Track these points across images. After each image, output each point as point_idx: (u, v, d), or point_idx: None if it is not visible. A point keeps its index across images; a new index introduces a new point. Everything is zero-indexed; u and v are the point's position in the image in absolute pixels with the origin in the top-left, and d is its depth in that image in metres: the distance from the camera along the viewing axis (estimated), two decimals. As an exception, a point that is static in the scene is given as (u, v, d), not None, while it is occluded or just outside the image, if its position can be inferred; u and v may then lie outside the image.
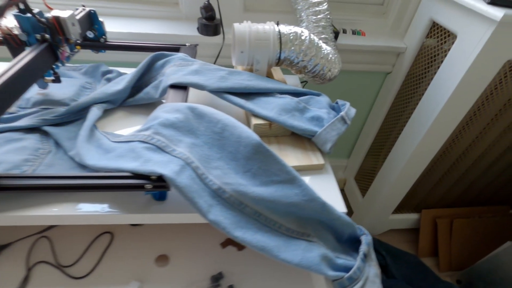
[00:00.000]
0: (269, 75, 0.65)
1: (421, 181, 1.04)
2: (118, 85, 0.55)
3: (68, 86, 0.59)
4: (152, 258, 0.60)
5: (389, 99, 1.01)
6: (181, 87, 0.52)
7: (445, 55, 0.75)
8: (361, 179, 1.23)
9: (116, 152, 0.40)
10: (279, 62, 0.61)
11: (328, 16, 0.71)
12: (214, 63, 0.78)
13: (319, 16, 0.70)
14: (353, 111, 0.53)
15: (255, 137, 0.40)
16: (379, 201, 1.08)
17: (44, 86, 0.55)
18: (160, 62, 0.58)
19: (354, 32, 0.87)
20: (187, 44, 0.67)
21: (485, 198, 1.14)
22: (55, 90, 0.56)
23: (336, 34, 0.80)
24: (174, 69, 0.55)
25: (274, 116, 0.50)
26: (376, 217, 1.14)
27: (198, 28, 0.77)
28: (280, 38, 0.58)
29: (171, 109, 0.44)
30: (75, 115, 0.51)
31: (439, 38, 0.79)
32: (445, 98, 0.77)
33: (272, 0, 0.86)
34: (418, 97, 0.89)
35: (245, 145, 0.40)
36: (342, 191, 1.34)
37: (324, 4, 0.71)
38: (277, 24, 0.60)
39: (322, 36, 0.70)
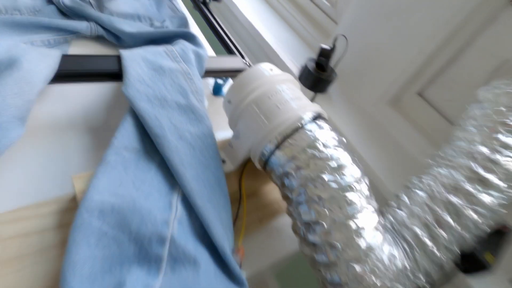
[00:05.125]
0: (249, 173, 0.34)
1: None
2: (130, 27, 0.45)
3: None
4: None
5: None
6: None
7: None
8: None
9: None
10: (265, 164, 0.30)
11: (472, 218, 0.29)
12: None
13: (453, 199, 0.29)
14: None
15: None
16: None
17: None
18: (183, 41, 0.42)
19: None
20: (246, 59, 0.47)
21: None
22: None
23: (471, 266, 0.33)
24: (155, 51, 0.37)
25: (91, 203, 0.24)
26: None
27: (301, 67, 0.53)
28: (287, 136, 0.27)
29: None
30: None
31: None
32: None
33: (432, 118, 0.48)
34: None
35: None
36: None
37: (484, 195, 0.29)
38: (315, 117, 0.28)
39: (417, 230, 0.29)
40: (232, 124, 0.32)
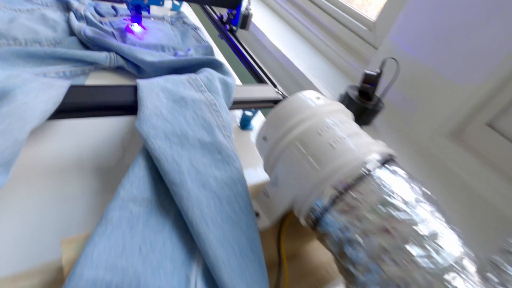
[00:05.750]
0: (288, 229, 0.27)
1: None
2: (152, 56, 0.42)
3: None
4: None
5: None
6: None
7: None
8: None
9: None
10: (316, 224, 0.22)
11: None
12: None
13: None
14: None
15: None
16: None
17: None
18: (209, 69, 0.38)
19: None
20: (279, 88, 0.41)
21: None
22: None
23: None
24: (177, 79, 0.32)
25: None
26: None
27: (340, 95, 0.47)
28: (349, 187, 0.20)
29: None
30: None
31: None
32: None
33: (510, 154, 0.38)
34: None
35: None
36: None
37: None
38: (386, 161, 0.21)
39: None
40: (268, 167, 0.25)
